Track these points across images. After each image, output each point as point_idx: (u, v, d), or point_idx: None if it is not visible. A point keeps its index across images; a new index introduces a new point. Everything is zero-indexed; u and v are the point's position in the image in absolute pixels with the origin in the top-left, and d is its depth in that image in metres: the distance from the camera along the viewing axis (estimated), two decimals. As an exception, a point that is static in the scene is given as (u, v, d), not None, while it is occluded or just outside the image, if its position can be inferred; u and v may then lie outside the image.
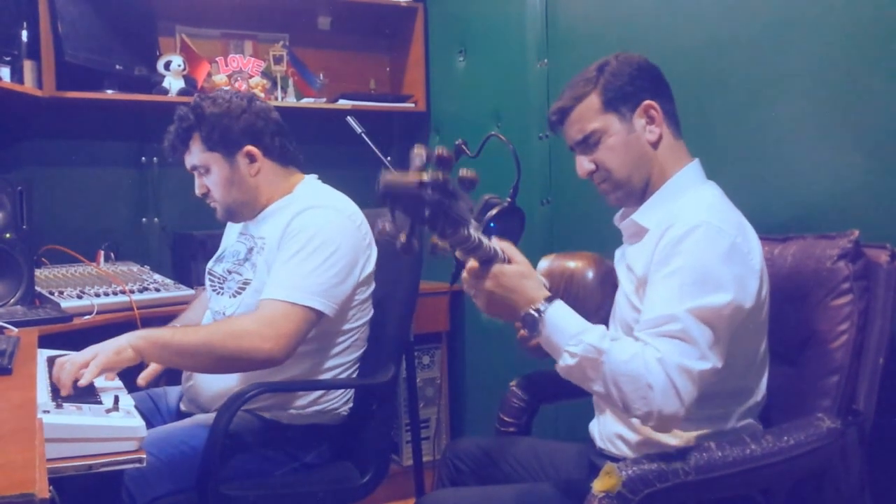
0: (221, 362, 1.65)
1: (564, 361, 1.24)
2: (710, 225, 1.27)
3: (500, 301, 1.26)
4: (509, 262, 1.25)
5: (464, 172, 1.08)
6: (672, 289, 1.25)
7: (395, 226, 1.03)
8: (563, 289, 1.45)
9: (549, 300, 1.26)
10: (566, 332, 1.24)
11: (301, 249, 1.70)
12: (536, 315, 1.25)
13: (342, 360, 1.84)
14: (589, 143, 1.43)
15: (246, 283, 1.81)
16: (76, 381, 1.47)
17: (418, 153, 1.03)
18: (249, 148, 1.82)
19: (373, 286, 1.87)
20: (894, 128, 1.48)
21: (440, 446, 2.86)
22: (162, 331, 1.67)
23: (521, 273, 1.25)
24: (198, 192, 1.89)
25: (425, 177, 1.01)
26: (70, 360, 1.51)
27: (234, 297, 1.82)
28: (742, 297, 1.27)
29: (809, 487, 1.36)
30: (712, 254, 1.25)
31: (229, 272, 1.88)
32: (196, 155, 1.83)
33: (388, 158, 2.31)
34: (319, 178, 1.95)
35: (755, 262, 1.30)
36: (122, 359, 1.55)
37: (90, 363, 1.50)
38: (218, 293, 1.88)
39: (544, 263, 1.51)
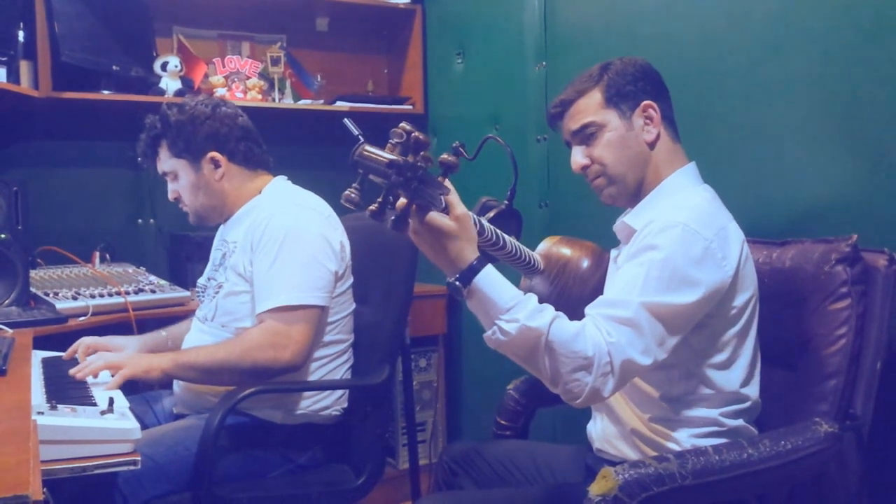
0: (244, 377, 1.69)
1: (494, 335, 1.19)
2: (686, 227, 1.28)
3: (427, 249, 1.17)
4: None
5: (445, 157, 1.09)
6: (637, 277, 1.26)
7: (360, 193, 1.03)
8: (555, 275, 1.46)
9: (476, 266, 1.16)
10: (496, 304, 1.17)
11: (278, 254, 1.72)
12: (457, 284, 1.17)
13: (325, 352, 1.84)
14: (585, 135, 1.43)
15: (220, 287, 1.84)
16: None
17: (398, 131, 1.04)
18: (213, 154, 1.86)
19: (351, 280, 1.89)
20: (893, 131, 1.48)
21: (437, 449, 2.85)
22: (188, 352, 1.76)
23: (446, 232, 1.14)
24: (170, 197, 1.95)
25: (399, 158, 1.02)
26: (105, 357, 1.67)
27: (211, 301, 1.86)
28: (705, 303, 1.27)
29: (806, 492, 1.36)
30: (684, 255, 1.26)
31: (209, 279, 1.93)
32: (164, 162, 1.91)
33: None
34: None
35: (729, 269, 1.30)
36: (149, 378, 1.67)
37: (119, 372, 1.61)
38: (202, 300, 1.93)
39: (544, 245, 1.51)
